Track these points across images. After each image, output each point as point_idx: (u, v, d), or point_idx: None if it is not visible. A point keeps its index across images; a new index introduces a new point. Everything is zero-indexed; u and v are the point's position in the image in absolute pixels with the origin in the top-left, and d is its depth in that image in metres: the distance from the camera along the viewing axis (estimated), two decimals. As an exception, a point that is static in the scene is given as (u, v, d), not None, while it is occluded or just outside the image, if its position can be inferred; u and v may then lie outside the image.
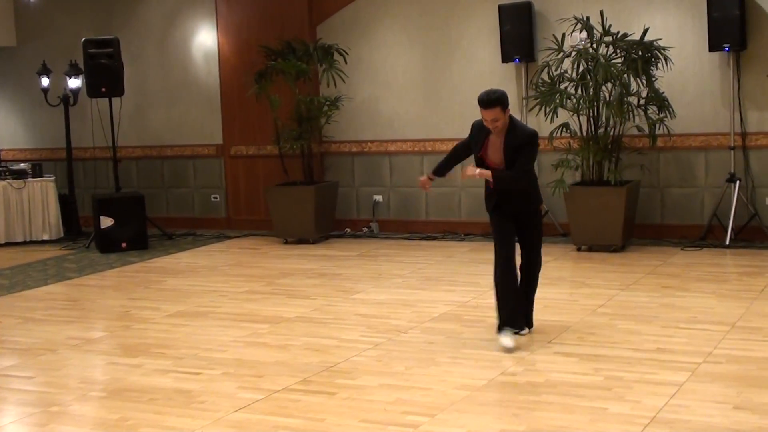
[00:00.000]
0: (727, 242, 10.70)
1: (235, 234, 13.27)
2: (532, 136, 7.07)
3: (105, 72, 12.50)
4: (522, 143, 6.98)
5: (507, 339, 6.96)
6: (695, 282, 9.08)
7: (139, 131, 14.25)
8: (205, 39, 13.73)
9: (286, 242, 12.34)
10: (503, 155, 7.01)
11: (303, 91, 12.31)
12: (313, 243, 12.22)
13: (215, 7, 13.53)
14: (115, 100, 12.82)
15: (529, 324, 7.38)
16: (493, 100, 6.90)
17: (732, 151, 10.90)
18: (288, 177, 12.56)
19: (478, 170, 7.06)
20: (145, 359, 7.14)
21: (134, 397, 6.25)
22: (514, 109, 11.61)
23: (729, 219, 10.77)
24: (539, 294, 7.56)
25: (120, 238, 12.21)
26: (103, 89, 12.55)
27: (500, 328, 7.04)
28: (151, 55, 14.15)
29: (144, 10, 14.16)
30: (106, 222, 12.20)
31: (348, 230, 12.93)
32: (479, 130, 7.15)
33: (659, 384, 6.02)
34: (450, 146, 7.84)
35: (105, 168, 14.06)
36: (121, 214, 12.27)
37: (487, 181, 7.14)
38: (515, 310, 7.08)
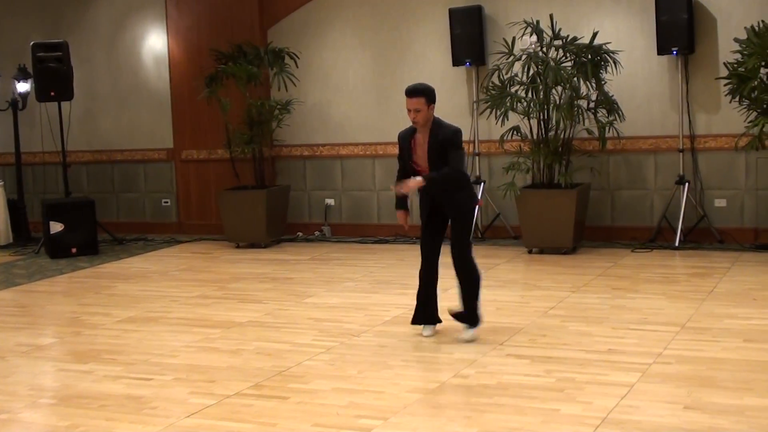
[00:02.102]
0: (677, 244, 10.80)
1: (187, 238, 13.20)
2: (457, 132, 7.24)
3: (54, 76, 12.39)
4: (447, 137, 7.16)
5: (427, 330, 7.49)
6: (645, 283, 9.15)
7: (89, 135, 14.14)
8: (155, 42, 13.66)
9: (238, 246, 12.30)
10: (427, 151, 7.21)
11: (254, 94, 12.28)
12: (264, 247, 12.19)
13: (165, 11, 13.46)
14: (65, 104, 12.72)
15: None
16: (419, 89, 7.20)
17: (681, 154, 11.01)
18: (239, 181, 12.52)
19: (408, 183, 7.16)
20: (95, 365, 7.08)
21: (85, 403, 6.19)
22: (465, 112, 11.73)
23: (678, 221, 10.87)
24: (490, 296, 7.61)
25: (70, 244, 12.10)
26: (52, 93, 12.43)
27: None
28: (100, 58, 14.04)
29: (93, 13, 14.05)
30: (56, 227, 12.09)
31: (300, 234, 12.91)
32: (404, 136, 7.41)
33: (610, 385, 6.06)
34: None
35: (54, 173, 13.95)
36: (71, 219, 12.16)
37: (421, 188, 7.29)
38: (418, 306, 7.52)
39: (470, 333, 7.29)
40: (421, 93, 7.16)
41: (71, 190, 12.96)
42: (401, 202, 7.55)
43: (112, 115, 14.07)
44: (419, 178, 7.13)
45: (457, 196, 7.25)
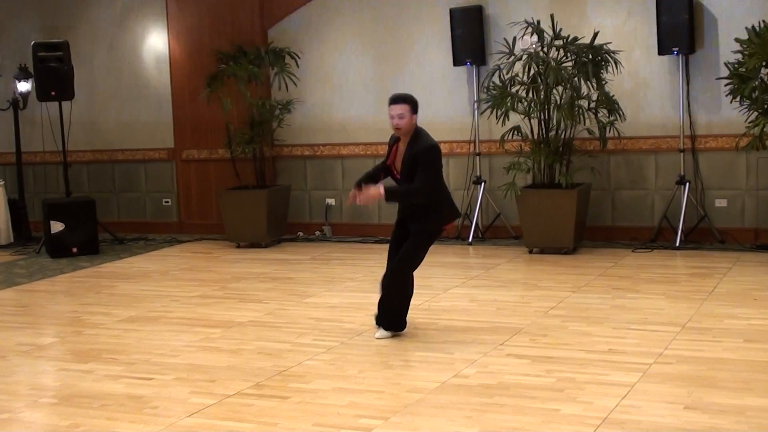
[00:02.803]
0: (677, 244, 10.79)
1: (187, 238, 13.20)
2: (431, 148, 7.25)
3: (55, 75, 12.38)
4: (419, 153, 7.19)
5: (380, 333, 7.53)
6: (646, 283, 9.15)
7: (90, 135, 14.13)
8: (155, 42, 13.65)
9: (239, 246, 12.30)
10: (402, 162, 7.33)
11: (255, 94, 12.28)
12: (265, 247, 12.19)
13: (166, 10, 13.45)
14: (65, 104, 12.70)
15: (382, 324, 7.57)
16: (403, 96, 7.33)
17: (681, 154, 11.00)
18: (240, 181, 12.52)
19: (370, 192, 7.30)
20: (96, 365, 7.08)
21: (85, 403, 6.19)
22: (465, 112, 11.75)
23: (679, 221, 10.87)
24: (492, 296, 7.61)
25: (71, 243, 12.10)
26: (53, 93, 12.42)
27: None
28: (101, 58, 14.04)
29: (93, 12, 14.04)
30: (57, 227, 12.09)
31: (300, 234, 12.91)
32: (392, 139, 7.51)
33: (611, 385, 6.06)
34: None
35: (55, 172, 13.93)
36: (71, 218, 12.16)
37: None
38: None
39: (384, 333, 7.48)
40: (406, 100, 7.26)
41: (72, 189, 12.95)
42: (370, 178, 7.54)
43: (113, 114, 14.07)
44: (381, 189, 7.22)
45: (426, 216, 7.36)
